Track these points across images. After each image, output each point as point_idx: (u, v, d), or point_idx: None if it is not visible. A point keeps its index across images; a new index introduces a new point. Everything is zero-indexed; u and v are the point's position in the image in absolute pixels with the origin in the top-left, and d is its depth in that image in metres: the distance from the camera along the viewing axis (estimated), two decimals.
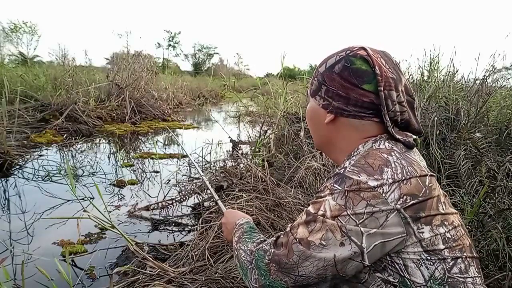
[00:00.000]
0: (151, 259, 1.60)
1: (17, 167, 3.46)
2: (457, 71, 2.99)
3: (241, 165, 3.18)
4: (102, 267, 1.78)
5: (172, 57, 40.65)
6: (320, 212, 0.61)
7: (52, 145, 4.52)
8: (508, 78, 3.03)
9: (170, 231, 2.27)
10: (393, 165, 0.61)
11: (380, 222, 0.58)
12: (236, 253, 0.77)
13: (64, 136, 4.82)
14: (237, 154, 3.76)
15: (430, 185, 0.62)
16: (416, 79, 3.32)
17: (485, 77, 2.59)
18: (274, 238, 0.69)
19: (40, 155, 3.97)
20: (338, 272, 0.61)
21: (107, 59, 11.79)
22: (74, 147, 4.59)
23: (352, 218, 0.58)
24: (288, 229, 0.66)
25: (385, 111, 0.67)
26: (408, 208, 0.58)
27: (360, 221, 0.58)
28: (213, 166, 3.36)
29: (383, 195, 0.58)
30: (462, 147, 1.92)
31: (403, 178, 0.60)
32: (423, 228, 0.59)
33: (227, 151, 4.12)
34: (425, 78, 3.27)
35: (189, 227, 2.32)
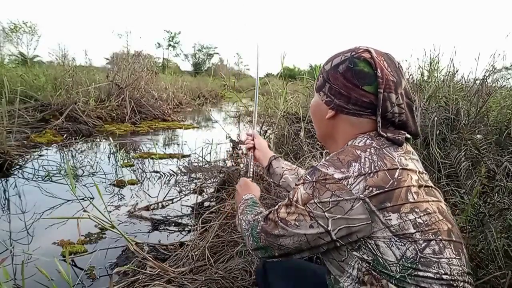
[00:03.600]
0: (151, 259, 1.60)
1: (17, 167, 3.46)
2: (457, 71, 2.97)
3: (241, 165, 3.17)
4: (102, 267, 1.78)
5: (172, 57, 40.68)
6: (295, 198, 0.71)
7: (52, 145, 4.52)
8: (508, 78, 3.02)
9: (170, 231, 2.27)
10: (362, 160, 0.67)
11: (345, 210, 0.65)
12: (239, 222, 0.93)
13: (64, 136, 4.82)
14: (237, 154, 3.75)
15: (399, 177, 0.67)
16: (416, 79, 3.31)
17: (485, 77, 2.58)
18: (267, 213, 0.81)
19: (40, 155, 3.97)
20: (311, 247, 0.71)
21: (107, 59, 11.79)
22: (74, 147, 4.59)
23: (318, 206, 0.67)
24: (276, 207, 0.78)
25: (379, 112, 0.72)
26: (373, 197, 0.64)
27: (326, 208, 0.66)
28: (213, 166, 3.35)
29: (348, 187, 0.65)
30: (463, 147, 1.92)
31: (370, 171, 0.66)
32: (390, 215, 0.64)
33: (227, 151, 4.12)
34: (425, 78, 3.26)
35: (189, 227, 2.32)
